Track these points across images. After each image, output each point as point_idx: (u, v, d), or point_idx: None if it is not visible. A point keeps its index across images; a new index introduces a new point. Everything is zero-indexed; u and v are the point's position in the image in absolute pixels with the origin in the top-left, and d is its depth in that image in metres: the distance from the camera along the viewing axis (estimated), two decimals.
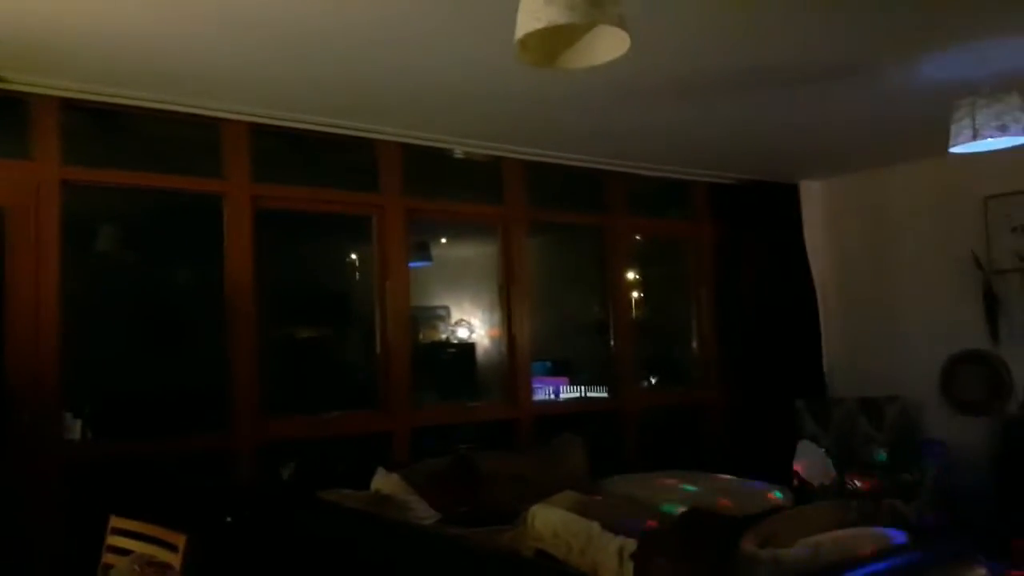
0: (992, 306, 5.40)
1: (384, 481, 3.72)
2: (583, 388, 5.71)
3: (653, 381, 6.05)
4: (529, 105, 4.21)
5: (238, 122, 4.17)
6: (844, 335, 6.20)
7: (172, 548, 2.40)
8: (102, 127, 4.01)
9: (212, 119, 4.11)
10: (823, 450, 5.27)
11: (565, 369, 5.91)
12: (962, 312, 5.52)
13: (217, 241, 4.16)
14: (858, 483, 4.97)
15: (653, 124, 4.64)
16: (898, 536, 2.55)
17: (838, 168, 6.05)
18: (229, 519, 3.81)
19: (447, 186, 5.08)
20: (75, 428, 3.80)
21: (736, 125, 4.72)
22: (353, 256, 5.44)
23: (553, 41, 2.25)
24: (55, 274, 3.67)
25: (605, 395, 5.58)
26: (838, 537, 2.46)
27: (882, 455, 5.42)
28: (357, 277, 5.32)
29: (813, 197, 6.31)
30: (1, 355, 3.55)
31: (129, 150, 4.07)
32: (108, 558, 2.52)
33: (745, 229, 6.06)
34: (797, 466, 5.13)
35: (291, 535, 3.59)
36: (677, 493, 4.36)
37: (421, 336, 6.25)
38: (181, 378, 4.46)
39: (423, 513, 3.57)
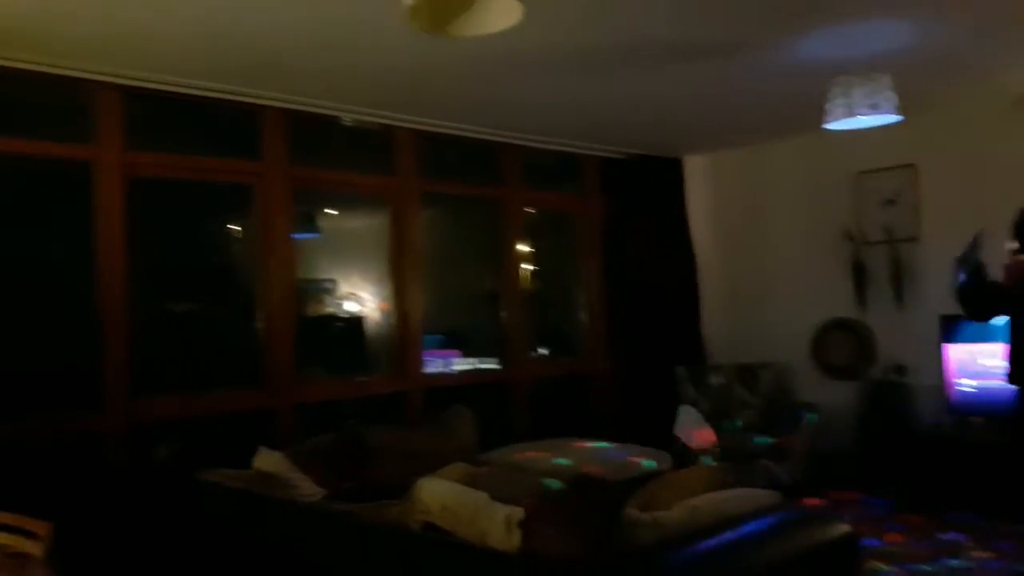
0: (860, 276, 5.71)
1: (266, 460, 3.61)
2: (475, 360, 5.72)
3: (544, 352, 6.12)
4: (421, 73, 4.13)
5: (108, 84, 3.92)
6: (723, 305, 6.44)
7: (34, 537, 2.26)
8: None
9: (79, 81, 3.84)
10: (701, 415, 5.47)
11: (457, 341, 5.90)
12: (833, 282, 5.82)
13: (87, 211, 3.92)
14: (734, 446, 5.18)
15: (546, 97, 4.64)
16: (770, 496, 2.67)
17: (720, 143, 6.23)
18: (101, 504, 3.64)
19: (335, 155, 4.94)
20: None
21: (624, 99, 4.78)
22: (235, 227, 5.23)
23: (445, 8, 2.20)
24: None
25: (496, 366, 5.60)
26: (714, 499, 2.55)
27: (757, 418, 5.68)
28: (239, 249, 5.13)
29: (697, 171, 6.49)
30: None
31: None
32: None
33: (632, 202, 6.18)
34: (678, 431, 5.31)
35: (169, 518, 3.46)
36: (562, 460, 4.45)
37: (308, 310, 6.09)
38: (48, 356, 4.19)
39: (308, 491, 3.49)
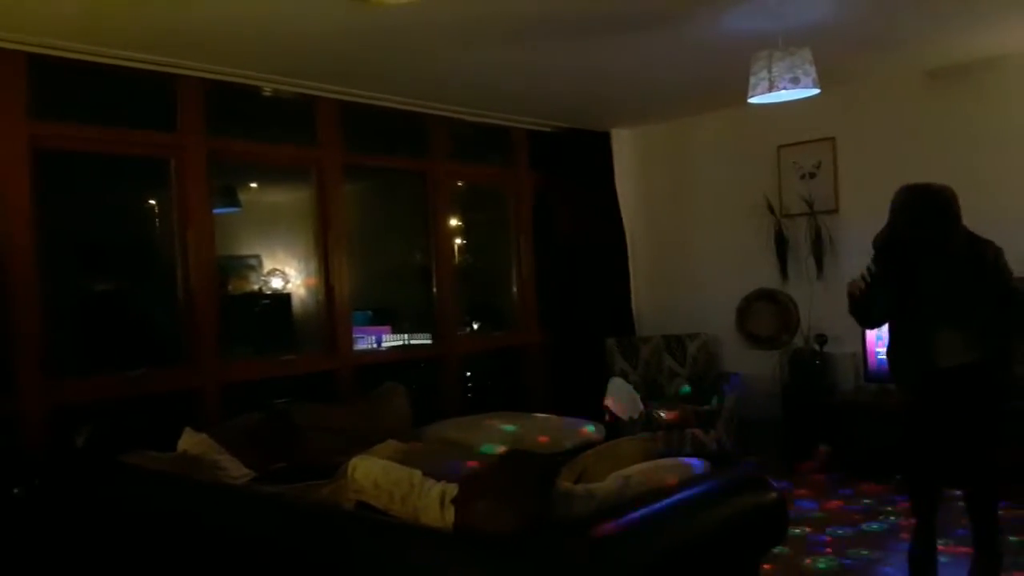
0: (782, 248, 5.84)
1: (191, 441, 3.52)
2: (406, 336, 5.66)
3: (475, 326, 6.11)
4: (344, 42, 4.02)
5: (11, 51, 3.70)
6: (651, 277, 6.54)
7: None
8: None
9: None
10: (631, 385, 5.56)
11: (387, 317, 5.83)
12: (756, 254, 5.95)
13: None
14: (664, 415, 5.28)
15: (473, 68, 4.58)
16: (698, 465, 2.71)
17: (647, 117, 6.27)
18: (16, 490, 3.48)
19: (256, 127, 4.78)
20: None
21: (550, 72, 4.76)
22: (152, 202, 5.03)
23: None
24: None
25: (428, 342, 5.56)
26: (645, 469, 2.58)
27: (686, 388, 5.80)
28: (157, 224, 4.94)
29: (624, 145, 6.53)
30: None
31: None
32: None
33: (561, 175, 6.19)
34: (608, 401, 5.37)
35: (90, 503, 3.33)
36: (497, 433, 4.46)
37: (230, 287, 5.91)
38: None
39: (235, 472, 3.41)
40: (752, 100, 4.01)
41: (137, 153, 4.33)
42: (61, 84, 4.01)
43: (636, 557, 2.18)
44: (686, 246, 6.40)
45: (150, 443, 3.50)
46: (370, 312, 5.84)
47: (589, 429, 4.70)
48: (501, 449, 3.78)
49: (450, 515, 2.33)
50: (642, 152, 6.60)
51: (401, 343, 5.55)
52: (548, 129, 6.12)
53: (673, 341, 5.99)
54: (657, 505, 2.34)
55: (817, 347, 5.51)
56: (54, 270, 3.95)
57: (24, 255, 3.75)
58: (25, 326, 3.75)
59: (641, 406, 5.35)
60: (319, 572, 2.38)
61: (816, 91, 3.91)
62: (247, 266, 6.27)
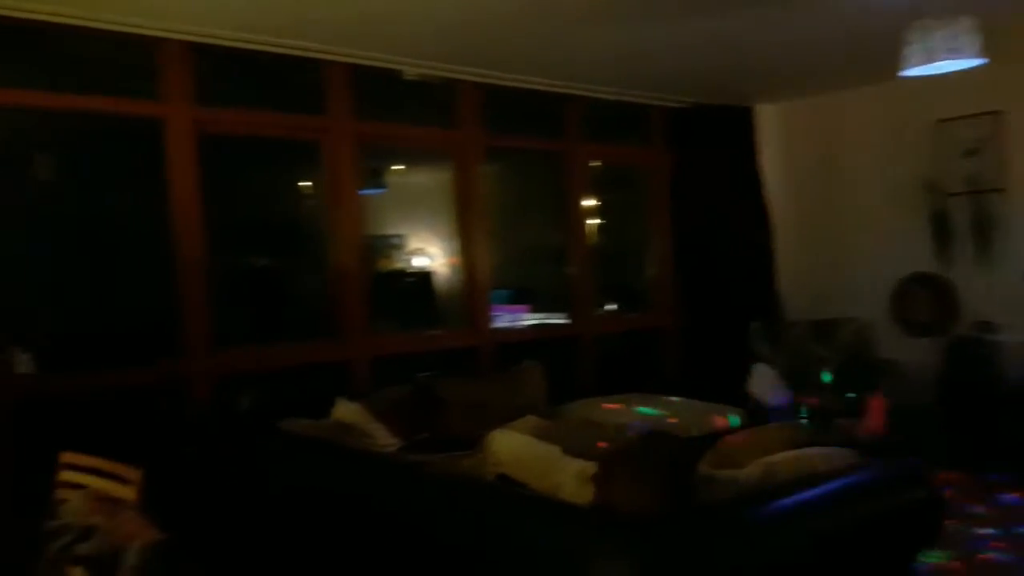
0: (941, 229, 5.49)
1: (345, 410, 3.71)
2: (543, 315, 5.73)
3: (611, 306, 6.09)
4: (484, 24, 4.07)
5: (178, 41, 3.98)
6: (798, 258, 6.29)
7: (126, 482, 2.36)
8: (28, 47, 3.78)
9: (149, 38, 3.90)
10: (776, 371, 5.38)
11: (525, 296, 5.92)
12: (912, 235, 5.62)
13: (161, 168, 4.01)
14: (810, 403, 5.10)
15: (611, 46, 4.54)
16: (847, 456, 2.61)
17: (793, 91, 6.02)
18: (186, 451, 3.78)
19: (399, 110, 4.94)
20: (25, 362, 3.69)
21: (692, 46, 4.64)
22: (304, 183, 5.30)
23: None
24: None
25: (565, 321, 5.60)
26: (790, 457, 2.51)
27: (827, 375, 5.56)
28: (309, 205, 5.20)
29: (768, 121, 6.31)
30: None
31: (60, 72, 3.85)
32: (61, 493, 2.47)
33: (702, 153, 6.04)
34: (751, 388, 5.24)
35: (251, 466, 3.57)
36: (631, 416, 4.45)
37: (377, 265, 6.17)
38: (132, 310, 4.34)
39: (384, 441, 3.58)
40: (906, 73, 3.77)
41: (291, 136, 4.57)
42: (222, 72, 4.27)
43: (778, 547, 2.14)
44: (835, 227, 6.12)
45: (304, 411, 3.71)
46: (509, 291, 5.94)
47: (729, 418, 4.60)
48: (639, 426, 3.76)
49: (588, 492, 2.35)
50: (787, 128, 6.34)
51: (538, 322, 5.61)
52: (687, 106, 5.99)
53: (821, 326, 5.75)
54: (803, 495, 2.27)
55: (982, 335, 5.15)
56: (218, 247, 4.23)
57: (193, 233, 4.04)
58: (193, 298, 4.04)
59: (786, 393, 5.19)
60: (460, 540, 2.46)
61: (981, 61, 3.63)
62: (392, 245, 6.52)
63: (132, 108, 4.00)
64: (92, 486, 2.39)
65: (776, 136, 6.33)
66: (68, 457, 2.56)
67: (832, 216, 6.14)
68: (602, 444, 2.94)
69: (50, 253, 4.24)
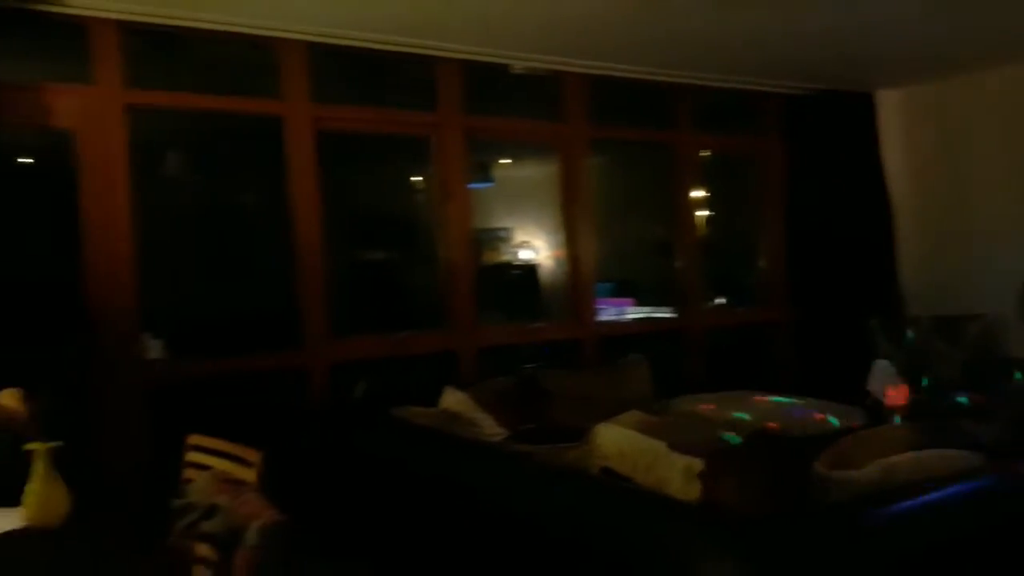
0: None
1: (452, 399, 3.78)
2: (648, 309, 5.66)
3: (720, 301, 5.96)
4: (591, 15, 4.05)
5: (296, 41, 4.13)
6: (921, 252, 5.98)
7: (248, 464, 2.47)
8: (162, 50, 4.02)
9: (269, 39, 4.07)
10: (896, 369, 5.14)
11: (630, 290, 5.86)
12: None
13: (281, 164, 4.18)
14: (932, 403, 4.85)
15: (720, 31, 4.42)
16: (972, 458, 2.48)
17: (918, 76, 5.71)
18: (304, 436, 3.93)
19: (506, 104, 4.98)
20: (155, 348, 3.93)
21: (808, 30, 4.46)
22: (416, 178, 5.42)
23: None
24: (125, 198, 3.74)
25: (671, 315, 5.52)
26: (911, 459, 2.40)
27: (950, 374, 5.27)
28: (419, 199, 5.32)
29: (891, 107, 6.01)
30: (81, 278, 3.66)
31: (189, 73, 4.08)
32: (188, 474, 2.62)
33: (818, 141, 5.81)
34: (870, 386, 5.02)
35: (364, 451, 3.69)
36: (729, 416, 4.34)
37: (484, 257, 6.25)
38: (253, 299, 4.56)
39: (491, 430, 3.63)
40: None
41: (402, 132, 4.69)
42: (336, 69, 4.40)
43: (896, 552, 2.05)
44: (961, 219, 5.78)
45: (414, 399, 3.81)
46: (613, 284, 5.91)
47: (831, 420, 4.40)
48: (746, 430, 3.67)
49: (695, 489, 2.32)
50: (911, 115, 6.03)
51: (643, 316, 5.55)
52: (802, 92, 5.78)
53: (946, 322, 5.45)
54: (926, 497, 2.17)
55: None
56: (334, 240, 4.37)
57: (311, 226, 4.20)
58: (312, 290, 4.20)
59: (907, 392, 4.95)
60: (565, 532, 2.48)
61: None
62: (498, 238, 6.59)
63: (255, 107, 4.19)
64: (216, 467, 2.52)
65: (899, 123, 6.03)
66: (195, 439, 2.71)
67: (958, 207, 5.80)
68: (709, 441, 2.89)
69: (180, 245, 4.51)
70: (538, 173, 6.24)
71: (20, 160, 4.35)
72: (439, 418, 3.60)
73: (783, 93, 5.75)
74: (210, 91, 4.05)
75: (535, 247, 6.61)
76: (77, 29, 3.67)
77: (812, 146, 5.81)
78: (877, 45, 4.85)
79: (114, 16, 3.68)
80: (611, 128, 5.24)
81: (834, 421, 4.35)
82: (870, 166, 5.90)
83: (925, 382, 5.23)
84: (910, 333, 5.48)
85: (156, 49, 3.98)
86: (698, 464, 2.37)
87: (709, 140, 5.64)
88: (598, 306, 5.21)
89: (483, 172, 6.00)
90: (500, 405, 3.80)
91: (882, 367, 5.14)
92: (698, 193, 5.66)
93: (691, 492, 2.32)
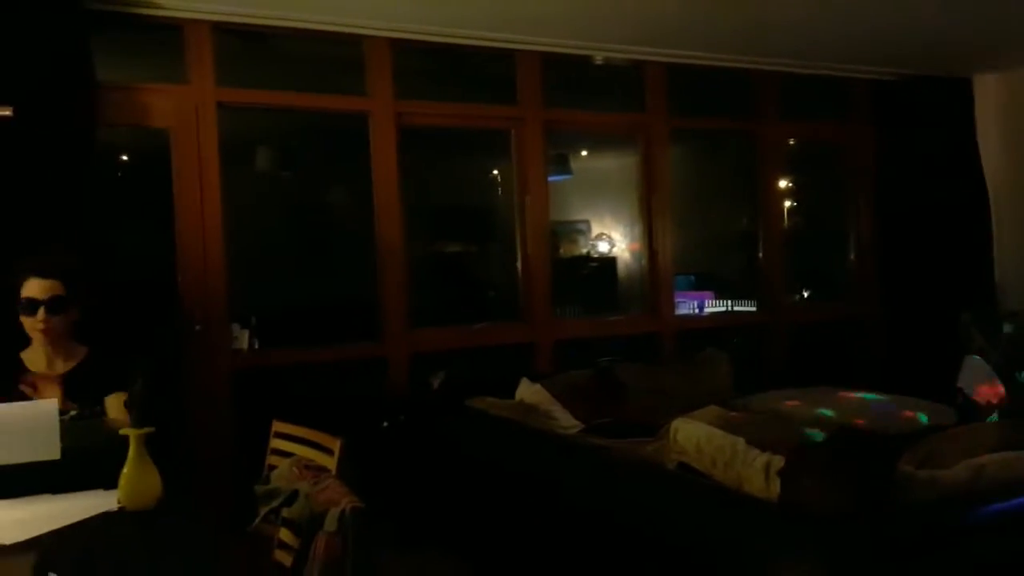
0: None
1: (528, 391, 3.80)
2: (729, 302, 5.56)
3: (805, 294, 5.80)
4: (673, 2, 3.99)
5: (379, 38, 4.21)
6: (1017, 244, 5.68)
7: (328, 452, 2.54)
8: (252, 49, 4.15)
9: (355, 36, 4.16)
10: (990, 366, 4.92)
11: (710, 283, 5.77)
12: None
13: (365, 159, 4.27)
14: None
15: (805, 15, 4.28)
16: None
17: (1018, 59, 5.42)
18: (385, 424, 4.01)
19: (586, 95, 4.96)
20: (242, 338, 4.08)
21: (900, 10, 4.28)
22: (494, 171, 5.46)
23: None
24: (217, 193, 3.89)
25: (753, 309, 5.41)
26: (1004, 459, 2.30)
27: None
28: (499, 192, 5.35)
29: (988, 92, 5.72)
30: (175, 269, 3.83)
31: (279, 71, 4.21)
32: (272, 459, 2.71)
33: (910, 129, 5.58)
34: (961, 383, 4.82)
35: (441, 441, 3.75)
36: (813, 413, 4.22)
37: (562, 250, 6.25)
38: (336, 290, 4.68)
39: (566, 423, 3.63)
40: None
41: (483, 126, 4.72)
42: (416, 65, 4.46)
43: (984, 555, 1.97)
44: None
45: (490, 390, 3.84)
46: (692, 277, 5.82)
47: (920, 417, 4.23)
48: (831, 427, 3.57)
49: (775, 487, 2.28)
50: (1012, 100, 5.73)
51: (723, 309, 5.46)
52: (892, 78, 5.55)
53: None
54: (1013, 501, 2.08)
55: None
56: (414, 233, 4.44)
57: (393, 220, 4.28)
58: (392, 282, 4.28)
59: (1002, 390, 4.73)
60: (641, 525, 2.46)
61: None
62: (576, 231, 6.58)
63: (342, 104, 4.30)
64: (298, 454, 2.60)
65: (999, 109, 5.73)
66: (278, 426, 2.80)
67: None
68: (790, 438, 2.83)
69: (268, 239, 4.66)
70: (617, 164, 6.20)
71: (122, 158, 4.58)
72: (515, 409, 3.63)
73: (871, 79, 5.55)
74: (297, 89, 4.17)
75: (612, 240, 6.57)
76: (173, 31, 3.83)
77: (904, 134, 5.58)
78: (974, 27, 4.61)
79: (208, 17, 3.83)
80: (692, 118, 5.16)
81: (923, 419, 4.19)
82: (965, 154, 5.63)
83: (1021, 379, 4.99)
84: (1006, 328, 5.23)
85: (246, 48, 4.12)
86: (778, 461, 2.33)
87: (794, 128, 5.48)
88: (676, 300, 5.14)
89: (561, 164, 5.99)
90: (576, 398, 3.80)
91: (975, 363, 4.92)
92: (784, 183, 5.51)
93: (772, 489, 2.28)
